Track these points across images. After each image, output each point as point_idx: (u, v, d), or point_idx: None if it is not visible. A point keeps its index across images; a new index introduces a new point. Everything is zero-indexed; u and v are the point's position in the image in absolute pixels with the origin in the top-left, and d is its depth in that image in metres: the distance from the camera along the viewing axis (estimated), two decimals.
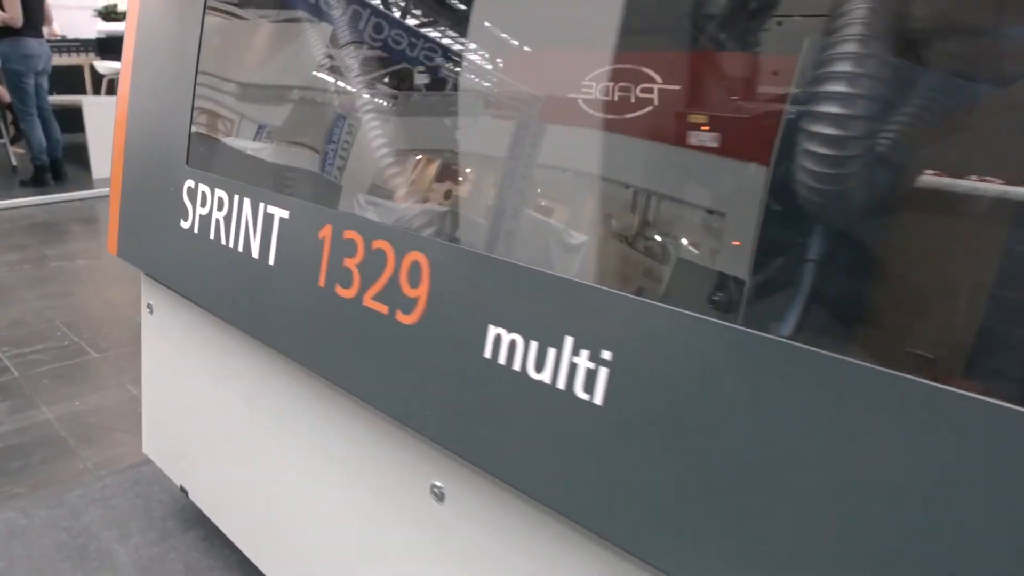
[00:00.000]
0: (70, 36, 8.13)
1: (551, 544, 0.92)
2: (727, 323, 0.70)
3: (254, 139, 1.43)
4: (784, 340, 0.66)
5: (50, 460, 2.28)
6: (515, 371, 0.86)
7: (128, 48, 1.74)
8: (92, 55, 8.19)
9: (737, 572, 0.68)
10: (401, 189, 1.09)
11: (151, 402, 1.93)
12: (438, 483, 1.08)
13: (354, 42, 1.21)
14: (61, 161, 6.35)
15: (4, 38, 5.49)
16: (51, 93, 6.24)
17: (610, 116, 0.83)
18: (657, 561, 0.75)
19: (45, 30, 6.10)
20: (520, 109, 0.95)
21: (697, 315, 0.72)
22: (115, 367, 2.91)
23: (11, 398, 2.65)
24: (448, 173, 1.04)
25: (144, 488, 2.12)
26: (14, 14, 5.35)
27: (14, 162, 6.90)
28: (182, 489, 1.83)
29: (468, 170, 1.02)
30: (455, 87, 1.03)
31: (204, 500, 1.76)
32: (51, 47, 6.30)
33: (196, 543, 1.89)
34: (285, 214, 1.24)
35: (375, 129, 1.14)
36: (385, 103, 1.15)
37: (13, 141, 7.04)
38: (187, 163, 1.51)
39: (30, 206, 5.70)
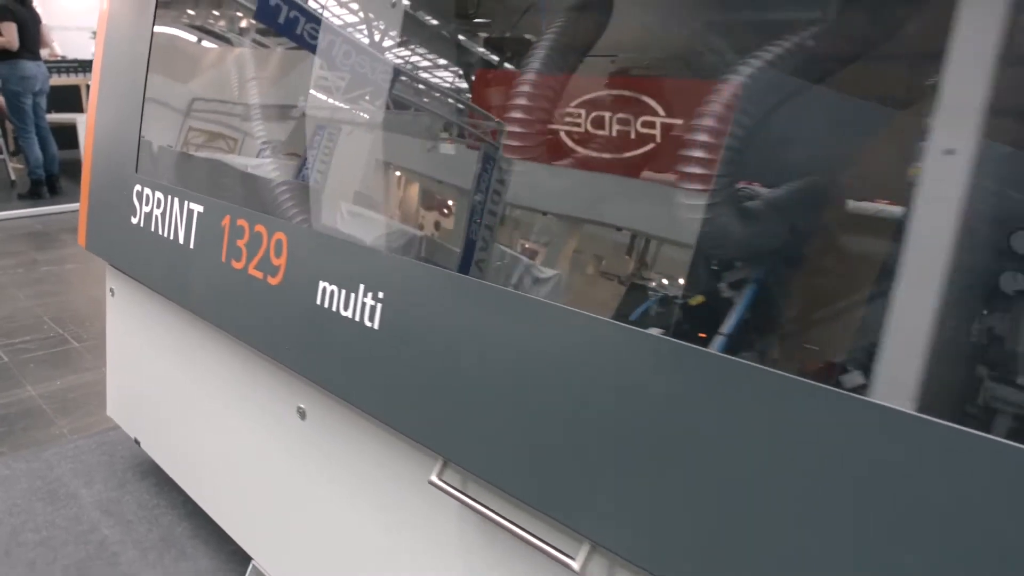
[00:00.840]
0: (69, 56, 8.57)
1: (379, 445, 1.31)
2: (443, 270, 1.09)
3: (180, 150, 1.83)
4: (463, 275, 1.05)
5: (31, 428, 2.66)
6: (333, 311, 1.26)
7: (96, 72, 2.14)
8: (89, 75, 8.64)
9: (471, 433, 1.07)
10: (268, 184, 1.50)
11: (114, 370, 2.32)
12: (301, 404, 1.47)
13: (241, 69, 1.61)
14: (57, 175, 6.75)
15: (3, 61, 5.92)
16: (49, 111, 6.66)
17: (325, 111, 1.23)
18: (427, 441, 1.13)
19: (45, 52, 6.53)
20: (306, 112, 1.35)
21: (429, 266, 1.11)
22: (94, 354, 3.29)
23: (8, 380, 3.03)
24: (295, 168, 1.44)
25: (109, 448, 2.50)
26: (10, 39, 5.78)
27: (12, 176, 7.31)
28: (136, 441, 2.22)
29: (304, 165, 1.42)
30: (276, 99, 1.43)
31: (152, 448, 2.15)
32: (50, 67, 6.73)
33: (148, 488, 2.27)
34: (201, 209, 1.64)
35: (258, 136, 1.54)
36: (261, 114, 1.55)
37: (13, 155, 7.45)
38: (136, 171, 1.91)
39: (25, 217, 6.10)
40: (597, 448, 0.86)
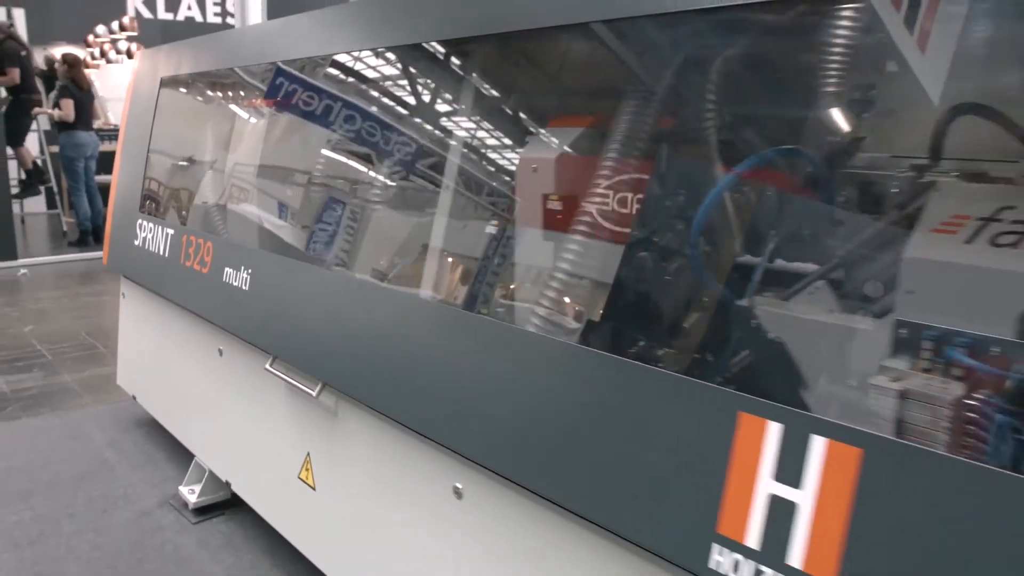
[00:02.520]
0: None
1: (267, 377, 2.26)
2: (295, 259, 2.05)
3: (161, 193, 2.84)
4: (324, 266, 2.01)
5: (65, 400, 3.65)
6: (234, 285, 2.22)
7: (120, 140, 3.19)
8: None
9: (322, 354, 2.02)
10: (203, 210, 2.49)
11: (123, 350, 3.31)
12: (221, 347, 2.42)
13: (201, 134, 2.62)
14: (102, 227, 7.94)
15: (62, 131, 7.18)
16: (99, 173, 7.89)
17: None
18: (297, 364, 2.07)
19: (99, 121, 7.79)
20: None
21: (286, 257, 2.07)
22: (114, 356, 4.29)
23: (44, 369, 4.05)
24: (221, 196, 2.44)
25: (118, 411, 3.47)
26: (68, 112, 7.04)
27: (64, 228, 8.54)
28: (133, 397, 3.19)
29: (221, 190, 2.41)
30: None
31: (145, 401, 3.11)
32: (102, 135, 7.97)
33: (142, 433, 3.22)
34: (172, 231, 2.63)
35: (205, 178, 2.54)
36: (213, 161, 2.56)
37: (70, 209, 8.70)
38: (139, 209, 2.93)
39: (73, 260, 7.25)
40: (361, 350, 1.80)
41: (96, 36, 11.39)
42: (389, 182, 1.98)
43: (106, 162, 8.49)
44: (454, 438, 1.41)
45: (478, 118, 1.68)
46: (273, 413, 2.13)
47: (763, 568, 0.94)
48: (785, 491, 0.93)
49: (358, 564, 1.81)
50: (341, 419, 1.84)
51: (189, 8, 12.85)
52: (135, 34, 11.02)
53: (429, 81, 1.83)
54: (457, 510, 1.49)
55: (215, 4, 12.99)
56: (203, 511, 2.54)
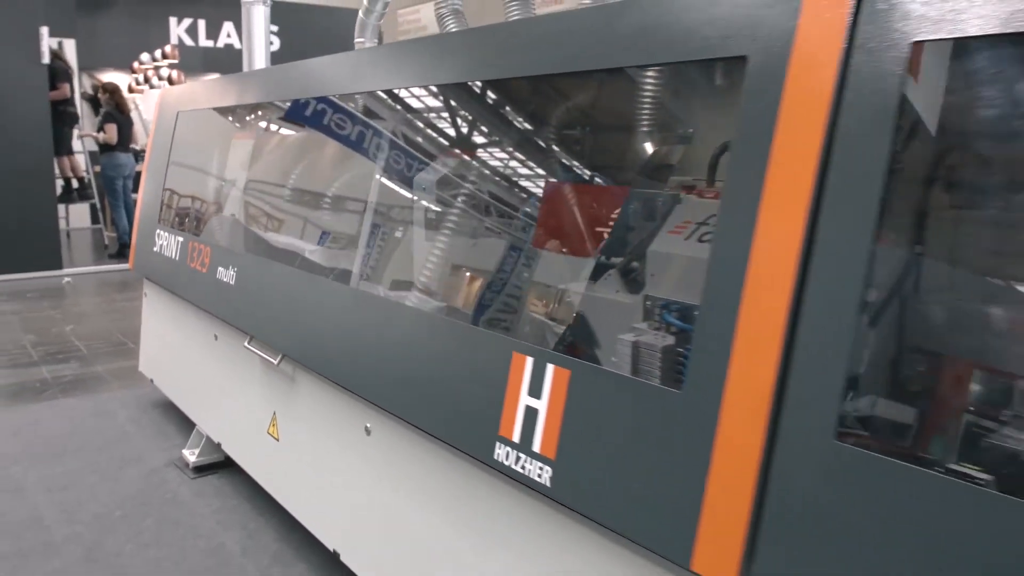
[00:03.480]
0: None
1: (247, 353, 2.78)
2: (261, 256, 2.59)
3: (174, 208, 3.40)
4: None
5: (97, 386, 4.23)
6: (224, 281, 2.75)
7: (145, 162, 3.77)
8: None
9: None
10: (203, 220, 3.04)
11: (144, 341, 3.88)
12: (216, 333, 2.95)
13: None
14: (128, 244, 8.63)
15: (103, 152, 7.89)
16: (135, 191, 8.59)
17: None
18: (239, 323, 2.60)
19: (139, 144, 8.50)
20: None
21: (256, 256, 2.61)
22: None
23: (80, 361, 4.65)
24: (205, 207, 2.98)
25: (141, 395, 4.03)
26: (111, 136, 7.76)
27: (106, 242, 9.26)
28: (151, 381, 3.75)
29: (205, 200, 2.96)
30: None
31: (161, 384, 3.67)
32: (141, 157, 8.68)
33: (159, 411, 3.77)
34: (182, 239, 3.19)
35: (207, 194, 3.10)
36: (219, 184, 3.11)
37: (113, 224, 9.43)
38: (158, 221, 3.49)
39: (113, 271, 7.92)
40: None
41: (141, 63, 12.24)
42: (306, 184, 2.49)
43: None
44: (364, 388, 1.91)
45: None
46: (251, 382, 2.65)
47: (520, 455, 1.42)
48: (533, 402, 1.41)
49: (307, 499, 2.31)
50: (297, 383, 2.35)
51: (228, 36, 13.65)
52: (175, 61, 11.82)
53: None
54: (367, 445, 1.99)
55: None
56: (201, 469, 3.06)
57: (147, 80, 12.04)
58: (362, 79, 2.16)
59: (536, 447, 1.39)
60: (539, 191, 1.77)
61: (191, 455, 3.09)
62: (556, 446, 1.36)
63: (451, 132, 2.01)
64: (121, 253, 8.42)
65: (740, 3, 1.16)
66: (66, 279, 7.28)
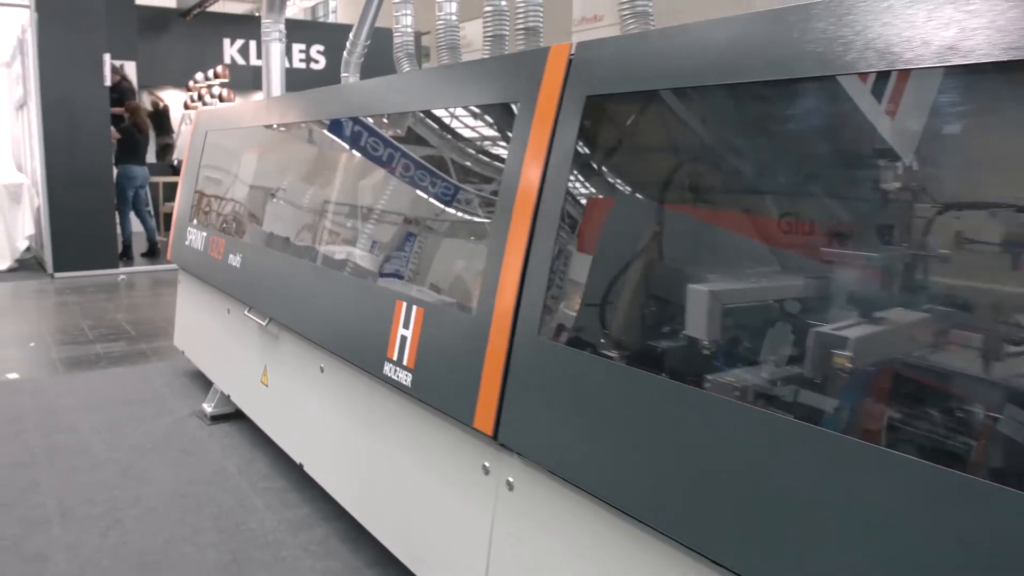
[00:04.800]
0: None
1: (247, 320, 3.52)
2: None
3: (202, 208, 4.18)
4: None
5: (139, 359, 5.03)
6: (232, 265, 3.49)
7: (182, 171, 4.56)
8: None
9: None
10: (234, 226, 3.80)
11: (178, 320, 4.67)
12: (228, 307, 3.70)
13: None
14: (155, 243, 9.41)
15: (118, 164, 8.75)
16: (167, 201, 9.43)
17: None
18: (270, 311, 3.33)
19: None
20: None
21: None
22: None
23: (128, 340, 5.48)
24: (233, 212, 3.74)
25: (176, 366, 4.82)
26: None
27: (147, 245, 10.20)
28: (182, 352, 4.53)
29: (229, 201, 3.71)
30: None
31: (191, 354, 4.44)
32: (174, 168, 9.61)
33: (190, 379, 4.55)
34: (205, 234, 3.95)
35: (226, 196, 3.86)
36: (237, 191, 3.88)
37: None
38: (190, 221, 4.27)
39: (164, 270, 8.82)
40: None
41: (195, 82, 13.31)
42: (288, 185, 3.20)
43: (173, 190, 10.20)
44: (317, 335, 2.61)
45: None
46: (250, 344, 3.38)
47: (397, 368, 2.10)
48: (405, 332, 2.09)
49: (284, 427, 3.03)
50: (281, 340, 3.06)
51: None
52: (226, 80, 12.83)
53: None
54: (321, 380, 2.69)
55: (300, 52, 14.72)
56: (216, 419, 3.81)
57: (200, 98, 13.10)
58: (323, 110, 2.88)
59: (405, 362, 2.07)
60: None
61: (208, 407, 3.84)
62: (415, 359, 2.03)
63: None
64: (124, 254, 9.10)
65: (508, 67, 1.84)
66: (121, 276, 8.21)
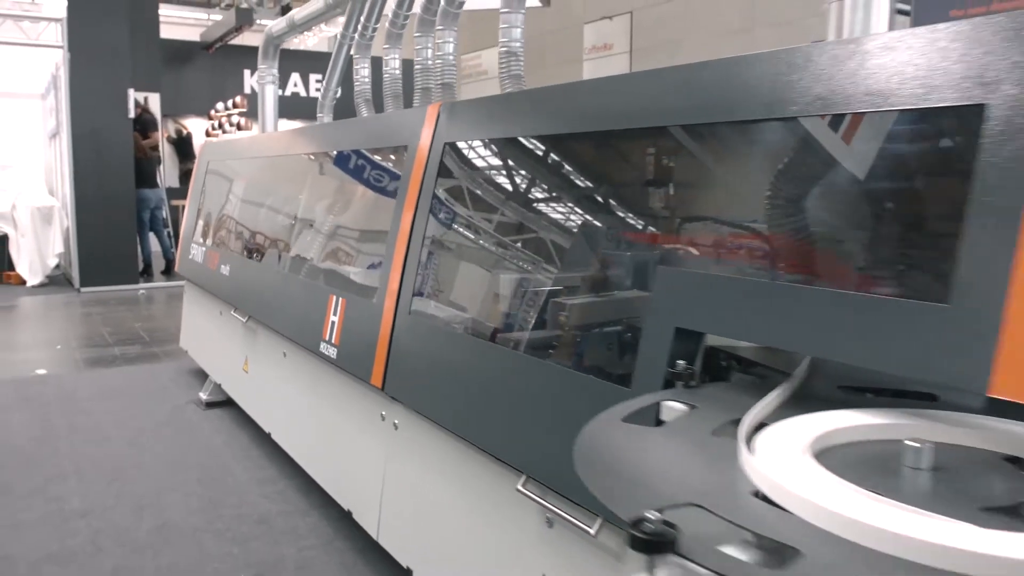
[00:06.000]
0: None
1: (232, 319, 4.20)
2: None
3: (203, 227, 4.88)
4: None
5: (152, 360, 5.73)
6: (223, 274, 4.17)
7: (188, 195, 5.27)
8: None
9: None
10: (225, 241, 4.49)
11: (184, 323, 5.36)
12: (220, 310, 4.38)
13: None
14: (172, 261, 10.15)
15: None
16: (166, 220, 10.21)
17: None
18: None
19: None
20: None
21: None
22: None
23: (142, 345, 6.19)
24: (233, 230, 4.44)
25: (182, 366, 5.50)
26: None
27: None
28: (185, 351, 5.21)
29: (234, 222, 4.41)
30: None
31: (193, 353, 5.12)
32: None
33: (193, 376, 5.23)
34: (204, 248, 4.65)
35: (221, 216, 4.55)
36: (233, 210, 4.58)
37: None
38: (193, 238, 4.98)
39: (179, 285, 9.57)
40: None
41: (216, 111, 14.19)
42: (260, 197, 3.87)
43: None
44: (280, 326, 3.27)
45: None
46: (235, 338, 4.05)
47: (328, 345, 2.74)
48: (334, 317, 2.74)
49: (259, 404, 3.68)
50: (257, 334, 3.73)
51: (295, 85, 15.53)
52: (244, 110, 13.68)
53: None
54: (283, 367, 3.34)
55: (316, 82, 15.56)
56: (211, 405, 4.48)
57: (220, 126, 13.97)
58: (299, 146, 3.56)
59: (333, 340, 2.72)
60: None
61: (204, 395, 4.51)
62: (340, 337, 2.68)
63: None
64: (145, 271, 9.88)
65: (406, 119, 2.50)
66: (141, 291, 8.98)
